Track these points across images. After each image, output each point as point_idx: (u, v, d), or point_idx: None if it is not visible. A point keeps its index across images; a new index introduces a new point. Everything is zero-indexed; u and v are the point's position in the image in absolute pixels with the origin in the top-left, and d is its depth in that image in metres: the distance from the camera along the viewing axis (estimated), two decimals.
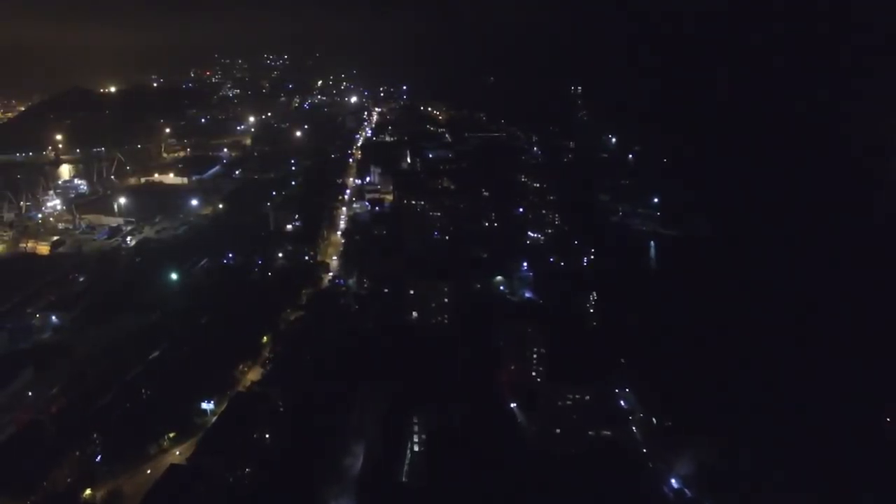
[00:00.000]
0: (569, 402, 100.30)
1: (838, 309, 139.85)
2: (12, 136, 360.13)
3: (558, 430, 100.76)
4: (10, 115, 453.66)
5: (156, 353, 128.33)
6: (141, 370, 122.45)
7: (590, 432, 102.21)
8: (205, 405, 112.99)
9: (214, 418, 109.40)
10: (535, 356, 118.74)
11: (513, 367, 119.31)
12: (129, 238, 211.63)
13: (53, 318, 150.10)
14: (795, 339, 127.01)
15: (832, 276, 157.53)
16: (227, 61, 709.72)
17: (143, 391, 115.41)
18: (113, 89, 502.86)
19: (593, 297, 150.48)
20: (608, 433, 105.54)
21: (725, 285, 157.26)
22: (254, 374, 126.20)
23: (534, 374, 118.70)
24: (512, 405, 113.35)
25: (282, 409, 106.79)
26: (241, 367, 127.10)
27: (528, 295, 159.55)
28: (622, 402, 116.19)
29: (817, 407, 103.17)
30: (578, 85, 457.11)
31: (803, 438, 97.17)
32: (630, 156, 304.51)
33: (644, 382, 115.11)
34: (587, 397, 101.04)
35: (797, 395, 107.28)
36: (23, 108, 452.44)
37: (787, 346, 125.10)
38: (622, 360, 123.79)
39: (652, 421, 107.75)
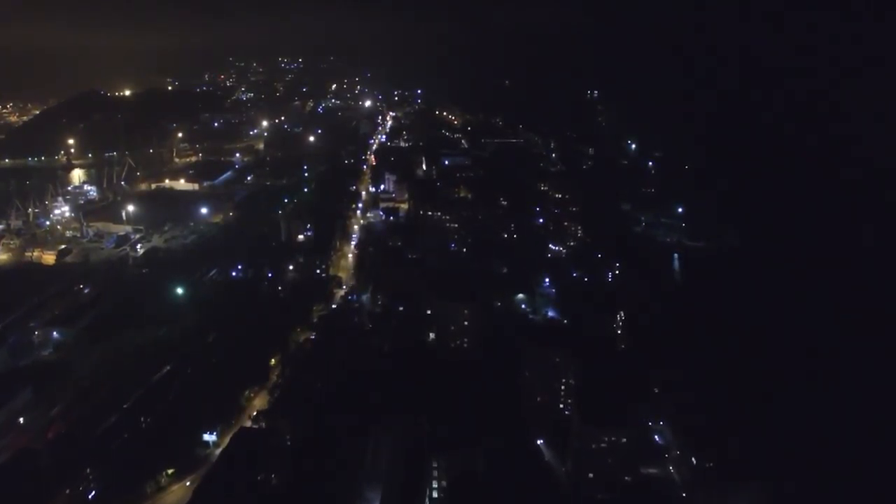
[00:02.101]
0: (603, 445, 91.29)
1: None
2: (26, 140, 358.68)
3: (591, 475, 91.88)
4: (24, 118, 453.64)
5: (159, 375, 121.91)
6: (143, 394, 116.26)
7: (626, 478, 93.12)
8: (207, 436, 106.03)
9: (218, 450, 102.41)
10: (562, 387, 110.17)
11: (539, 399, 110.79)
12: (137, 247, 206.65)
13: (55, 333, 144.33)
14: (852, 365, 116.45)
15: (887, 289, 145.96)
16: (242, 64, 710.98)
17: (143, 419, 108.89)
18: (127, 92, 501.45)
19: (620, 317, 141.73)
20: (649, 471, 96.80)
21: (763, 304, 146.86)
22: (260, 401, 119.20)
23: (561, 405, 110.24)
24: (538, 441, 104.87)
25: (289, 444, 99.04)
26: (247, 392, 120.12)
27: (551, 314, 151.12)
28: (657, 437, 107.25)
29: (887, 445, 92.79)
30: (596, 88, 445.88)
31: (872, 485, 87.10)
32: (650, 162, 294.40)
33: (680, 415, 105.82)
34: (623, 440, 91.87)
35: (861, 431, 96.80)
36: (37, 112, 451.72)
37: (843, 372, 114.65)
38: (655, 390, 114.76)
39: (691, 460, 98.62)
